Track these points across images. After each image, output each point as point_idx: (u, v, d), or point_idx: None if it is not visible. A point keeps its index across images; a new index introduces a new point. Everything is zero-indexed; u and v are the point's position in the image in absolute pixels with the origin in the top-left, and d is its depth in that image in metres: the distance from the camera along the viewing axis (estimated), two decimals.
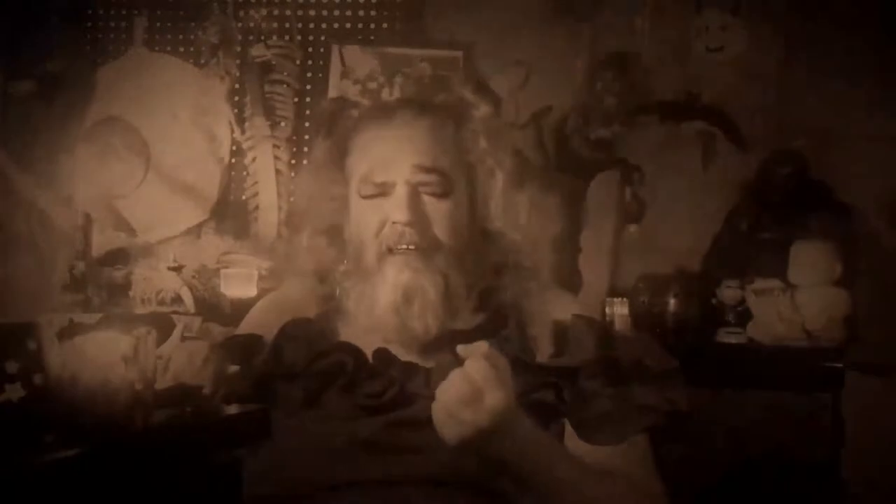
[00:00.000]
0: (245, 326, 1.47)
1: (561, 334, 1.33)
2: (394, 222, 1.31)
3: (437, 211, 1.33)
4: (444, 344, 1.31)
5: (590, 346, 1.31)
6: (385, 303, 1.30)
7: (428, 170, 1.32)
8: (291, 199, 2.83)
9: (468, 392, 1.12)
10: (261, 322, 1.44)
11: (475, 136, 1.39)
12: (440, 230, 1.33)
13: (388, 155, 1.33)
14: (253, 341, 1.40)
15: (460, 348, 1.16)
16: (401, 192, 1.31)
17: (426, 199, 1.33)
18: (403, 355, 1.32)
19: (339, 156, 1.40)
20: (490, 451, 1.15)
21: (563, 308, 1.38)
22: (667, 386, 1.30)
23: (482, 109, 1.40)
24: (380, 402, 1.28)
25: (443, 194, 1.34)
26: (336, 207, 1.41)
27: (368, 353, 1.33)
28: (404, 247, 1.31)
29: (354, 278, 1.36)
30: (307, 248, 1.44)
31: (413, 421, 1.27)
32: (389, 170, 1.32)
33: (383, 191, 1.33)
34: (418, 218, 1.31)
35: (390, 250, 1.31)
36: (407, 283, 1.30)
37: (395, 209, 1.31)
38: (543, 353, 1.33)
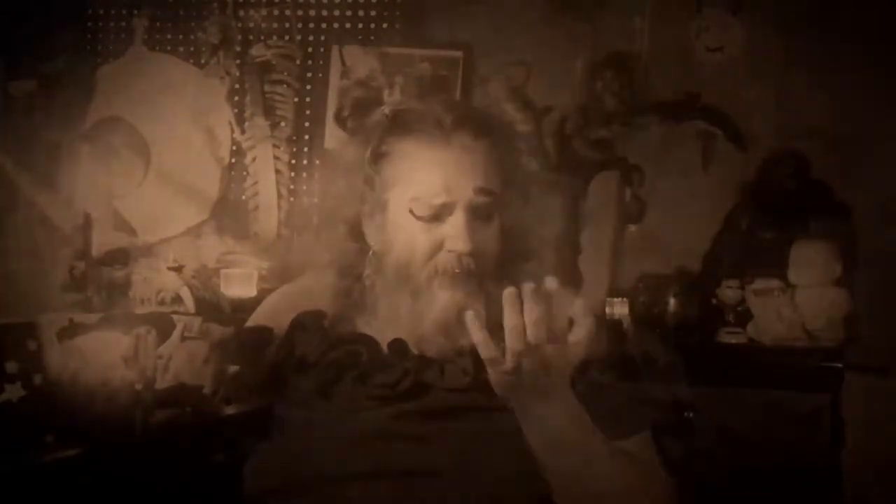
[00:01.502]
0: (257, 318, 1.47)
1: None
2: (450, 250, 1.30)
3: (486, 234, 1.32)
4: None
5: (602, 341, 1.32)
6: (434, 321, 1.30)
7: (487, 192, 1.32)
8: (297, 187, 2.84)
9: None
10: (274, 313, 1.44)
11: (519, 154, 1.39)
12: (490, 253, 1.33)
13: (450, 178, 1.31)
14: (264, 333, 1.40)
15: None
16: (460, 218, 1.29)
17: (478, 223, 1.32)
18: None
19: (373, 158, 1.38)
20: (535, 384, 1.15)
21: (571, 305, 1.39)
22: (672, 381, 1.31)
23: (524, 127, 1.40)
24: (393, 392, 1.28)
25: (489, 216, 1.33)
26: (357, 202, 1.39)
27: (382, 342, 1.33)
28: (459, 271, 1.30)
29: (389, 287, 1.35)
30: (326, 240, 1.44)
31: (425, 411, 1.27)
32: (451, 192, 1.30)
33: (440, 213, 1.31)
34: (475, 246, 1.30)
35: (443, 272, 1.30)
36: (460, 305, 1.29)
37: (455, 238, 1.29)
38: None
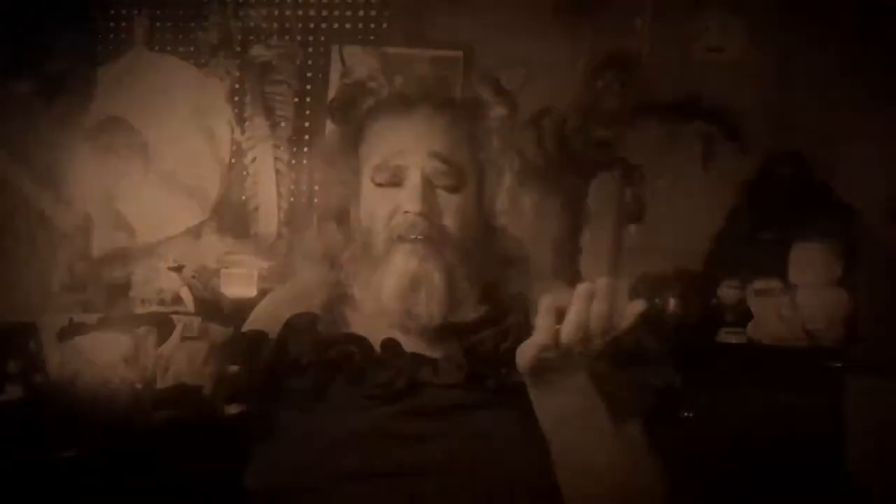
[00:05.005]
0: (255, 319, 1.48)
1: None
2: (406, 212, 1.32)
3: (448, 204, 1.35)
4: (448, 335, 1.32)
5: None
6: (391, 289, 1.32)
7: (443, 159, 1.34)
8: (297, 187, 2.84)
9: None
10: (270, 315, 1.45)
11: (488, 134, 1.41)
12: (450, 223, 1.35)
13: (404, 142, 1.35)
14: (258, 338, 1.40)
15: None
16: (414, 181, 1.33)
17: (438, 191, 1.35)
18: (407, 344, 1.33)
19: (353, 143, 1.42)
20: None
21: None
22: (662, 366, 1.32)
23: (498, 110, 1.42)
24: (388, 392, 1.29)
25: (454, 188, 1.35)
26: (346, 193, 1.42)
27: (374, 341, 1.33)
28: (414, 236, 1.32)
29: (360, 264, 1.37)
30: (316, 232, 1.45)
31: (421, 410, 1.28)
32: (405, 156, 1.34)
33: (397, 177, 1.34)
34: (430, 209, 1.33)
35: (400, 238, 1.32)
36: (414, 270, 1.31)
37: (408, 199, 1.32)
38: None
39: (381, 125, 1.39)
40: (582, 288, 1.12)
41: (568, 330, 1.12)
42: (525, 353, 1.16)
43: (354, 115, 1.43)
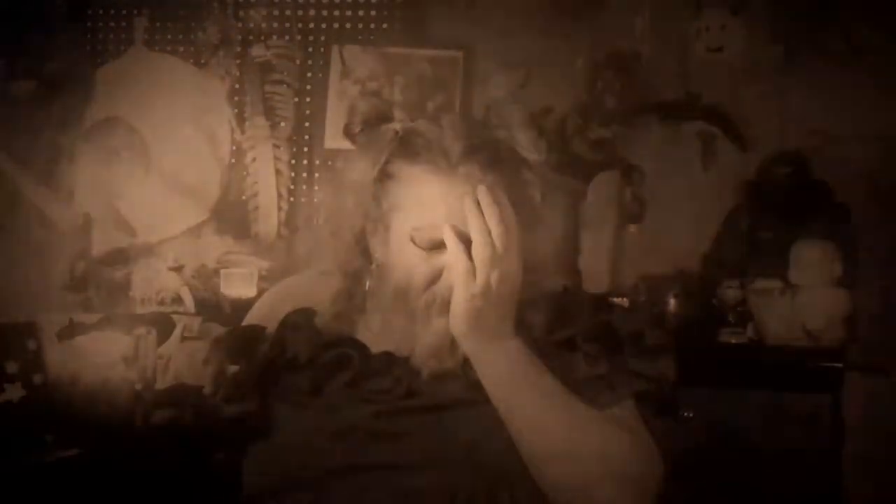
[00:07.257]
0: (255, 314, 1.48)
1: (552, 302, 1.34)
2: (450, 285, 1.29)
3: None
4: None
5: (587, 311, 1.33)
6: (429, 347, 1.30)
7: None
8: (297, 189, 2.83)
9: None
10: (272, 310, 1.45)
11: (527, 186, 1.37)
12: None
13: (452, 213, 1.27)
14: (256, 332, 1.40)
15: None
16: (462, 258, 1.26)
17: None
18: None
19: (380, 177, 1.36)
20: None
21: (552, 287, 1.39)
22: (658, 358, 1.31)
23: (534, 156, 1.38)
24: (387, 398, 1.29)
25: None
26: (364, 219, 1.39)
27: (375, 348, 1.33)
28: None
29: (386, 303, 1.35)
30: (331, 246, 1.43)
31: (413, 408, 1.28)
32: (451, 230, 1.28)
33: (440, 245, 1.28)
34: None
35: (443, 303, 1.30)
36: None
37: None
38: (537, 326, 1.33)
39: (418, 177, 1.32)
40: (467, 200, 1.20)
41: (476, 242, 1.18)
42: (456, 309, 1.20)
43: (378, 139, 1.39)
